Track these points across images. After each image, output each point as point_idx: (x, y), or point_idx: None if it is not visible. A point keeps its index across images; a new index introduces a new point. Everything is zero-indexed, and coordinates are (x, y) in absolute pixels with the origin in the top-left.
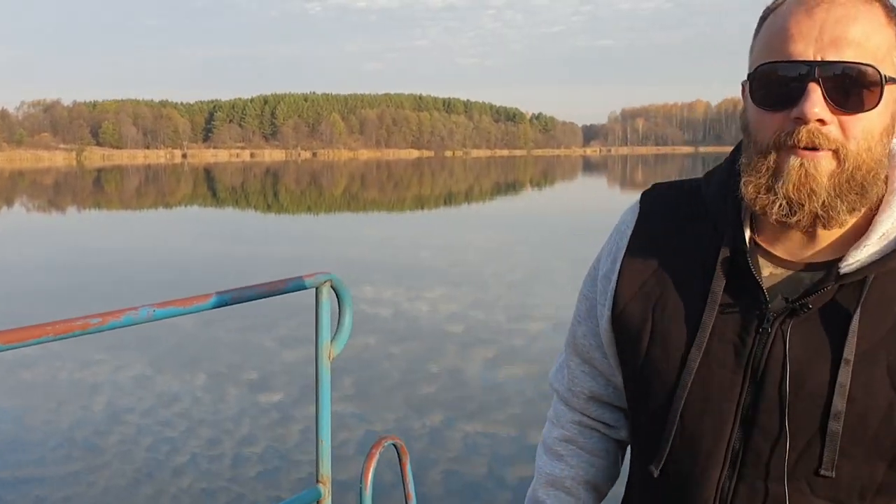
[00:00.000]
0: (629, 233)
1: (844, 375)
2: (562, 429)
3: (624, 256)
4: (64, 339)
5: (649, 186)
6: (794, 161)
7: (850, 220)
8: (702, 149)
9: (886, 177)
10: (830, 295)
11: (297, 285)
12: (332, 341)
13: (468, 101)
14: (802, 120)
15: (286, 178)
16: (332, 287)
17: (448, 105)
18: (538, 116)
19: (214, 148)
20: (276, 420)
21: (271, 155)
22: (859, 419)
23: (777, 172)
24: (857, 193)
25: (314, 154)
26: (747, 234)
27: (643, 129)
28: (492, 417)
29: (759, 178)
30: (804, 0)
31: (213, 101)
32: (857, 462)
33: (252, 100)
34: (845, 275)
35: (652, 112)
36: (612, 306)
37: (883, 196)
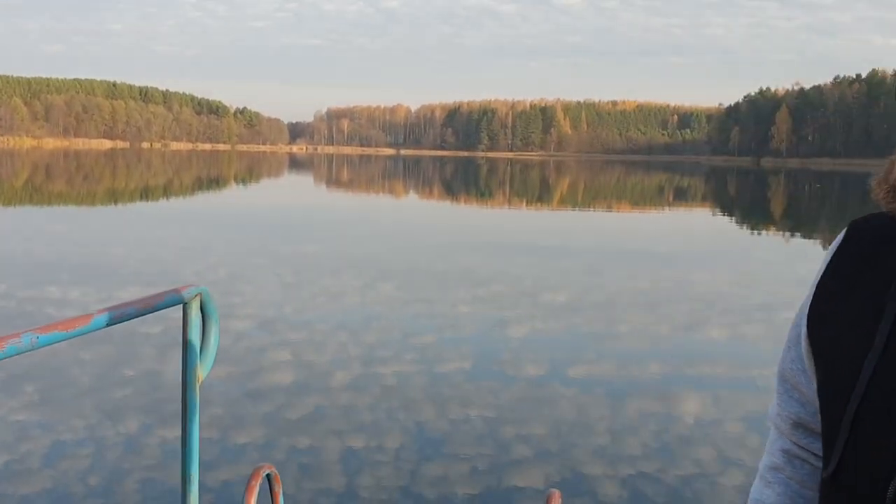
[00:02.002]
0: (830, 255)
1: None
2: (771, 456)
3: (820, 278)
4: None
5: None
6: None
7: None
8: (403, 151)
9: None
10: None
11: (171, 300)
12: (200, 363)
13: (167, 91)
14: None
15: None
16: (201, 301)
17: (145, 94)
18: (243, 111)
19: None
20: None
21: None
22: None
23: None
24: None
25: None
26: None
27: (348, 130)
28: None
29: None
30: None
31: None
32: None
33: None
34: None
35: (357, 113)
36: (805, 326)
37: None
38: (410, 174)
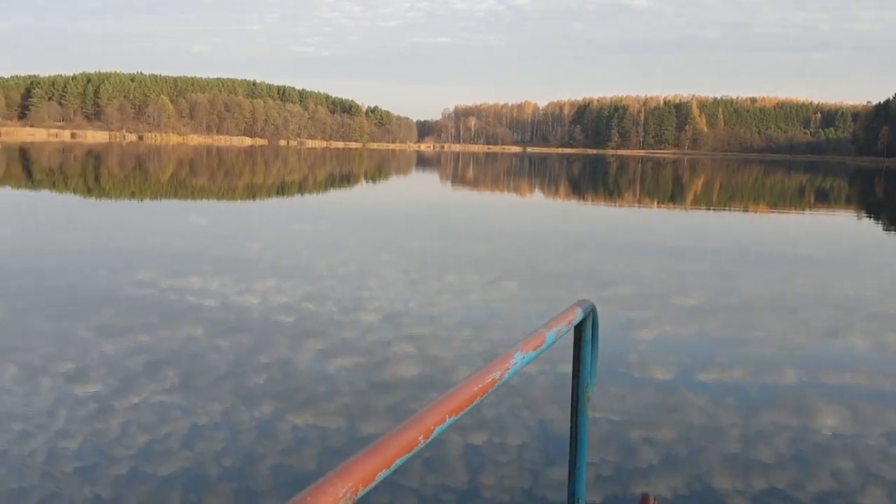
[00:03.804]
0: None
1: None
2: None
3: None
4: None
5: None
6: None
7: None
8: (529, 148)
9: None
10: None
11: (579, 316)
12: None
13: (304, 90)
14: None
15: (109, 160)
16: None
17: (283, 93)
18: (374, 110)
19: (31, 126)
20: (95, 412)
21: (94, 136)
22: None
23: None
24: None
25: (140, 137)
26: None
27: (475, 127)
28: (321, 409)
29: None
30: None
31: (30, 77)
32: None
33: (74, 77)
34: None
35: (484, 111)
36: None
37: None
38: (536, 172)
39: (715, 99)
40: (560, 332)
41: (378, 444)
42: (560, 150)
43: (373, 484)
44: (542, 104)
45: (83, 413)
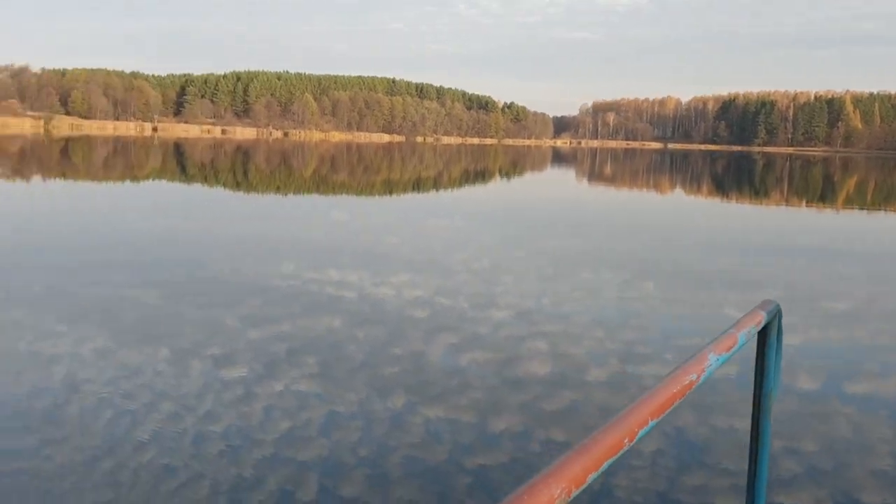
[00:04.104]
0: None
1: None
2: None
3: None
4: None
5: None
6: None
7: None
8: (670, 145)
9: None
10: None
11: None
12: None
13: (441, 87)
14: None
15: (257, 156)
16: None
17: (421, 90)
18: (510, 106)
19: (186, 122)
20: (240, 397)
21: (243, 132)
22: None
23: None
24: None
25: (285, 134)
26: None
27: (614, 123)
28: (452, 403)
29: None
30: None
31: (185, 75)
32: None
33: (225, 76)
34: None
35: (623, 106)
36: None
37: None
38: (678, 169)
39: (871, 94)
40: (749, 333)
41: (584, 445)
42: (703, 147)
43: (583, 486)
44: (684, 99)
45: (229, 397)
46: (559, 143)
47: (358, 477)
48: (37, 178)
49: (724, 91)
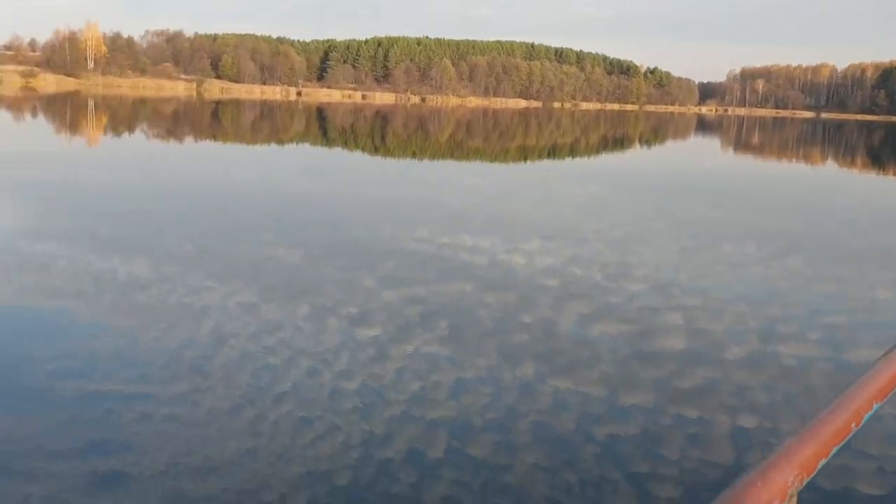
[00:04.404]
0: None
1: None
2: None
3: None
4: None
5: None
6: None
7: None
8: (823, 114)
9: None
10: None
11: None
12: None
13: (581, 51)
14: None
15: (395, 121)
16: None
17: (560, 55)
18: (653, 71)
19: (328, 87)
20: (373, 356)
21: (382, 97)
22: None
23: None
24: None
25: (423, 99)
26: None
27: (763, 91)
28: (581, 375)
29: None
30: None
31: (328, 41)
32: None
33: (366, 41)
34: None
35: (774, 73)
36: None
37: None
38: (830, 140)
39: None
40: None
41: (809, 429)
42: (859, 117)
43: (814, 473)
44: (840, 66)
45: (363, 356)
46: (704, 110)
47: (486, 440)
48: (189, 140)
49: (886, 58)
